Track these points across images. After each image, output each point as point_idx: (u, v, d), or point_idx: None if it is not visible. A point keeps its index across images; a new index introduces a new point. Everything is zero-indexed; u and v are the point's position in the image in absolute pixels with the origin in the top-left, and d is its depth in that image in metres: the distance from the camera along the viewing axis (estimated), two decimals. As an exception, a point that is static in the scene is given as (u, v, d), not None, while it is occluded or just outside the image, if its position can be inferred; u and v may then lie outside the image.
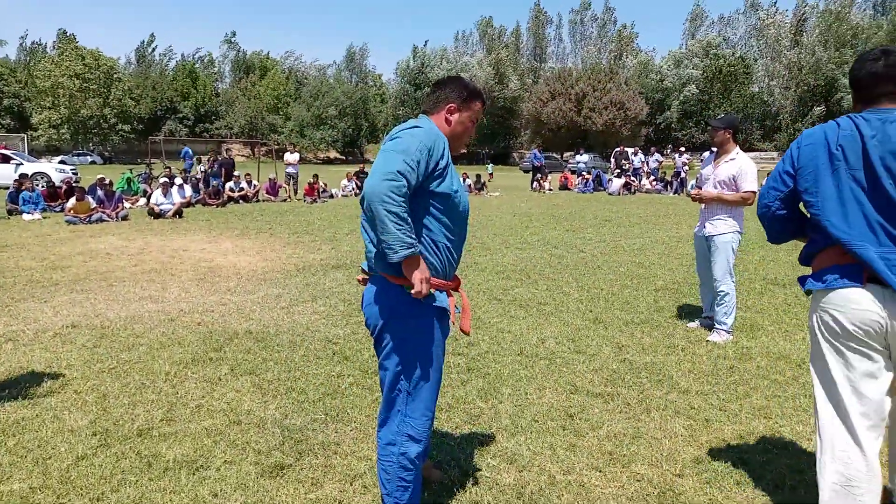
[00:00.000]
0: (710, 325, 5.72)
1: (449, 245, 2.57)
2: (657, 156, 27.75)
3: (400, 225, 2.25)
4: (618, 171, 26.17)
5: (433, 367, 2.59)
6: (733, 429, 3.67)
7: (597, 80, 58.51)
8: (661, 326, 5.79)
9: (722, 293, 5.44)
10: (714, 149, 5.72)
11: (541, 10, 77.19)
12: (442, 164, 2.47)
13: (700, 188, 5.66)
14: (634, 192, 24.01)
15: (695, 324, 5.88)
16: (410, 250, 2.29)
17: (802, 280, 2.65)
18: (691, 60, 62.14)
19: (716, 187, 5.49)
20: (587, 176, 25.51)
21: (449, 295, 2.66)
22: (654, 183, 25.21)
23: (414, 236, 2.31)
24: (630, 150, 28.42)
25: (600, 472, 3.16)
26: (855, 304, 2.39)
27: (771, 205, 2.65)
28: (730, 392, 4.23)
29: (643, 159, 26.94)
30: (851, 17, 57.23)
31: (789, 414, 3.89)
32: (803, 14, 59.97)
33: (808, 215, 2.55)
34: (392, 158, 2.31)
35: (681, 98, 60.64)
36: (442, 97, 2.66)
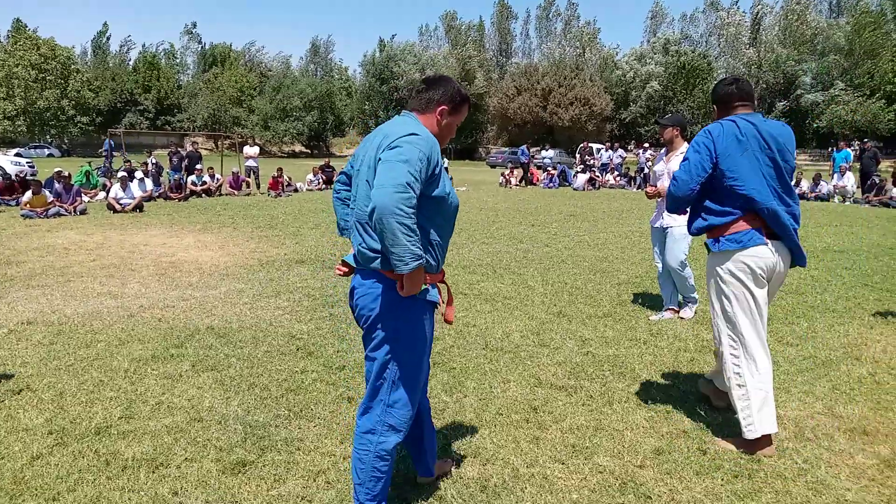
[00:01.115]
0: (672, 317, 5.94)
1: (441, 242, 2.64)
2: (620, 151, 28.06)
3: (410, 237, 2.27)
4: (582, 166, 26.40)
5: (422, 360, 2.65)
6: (693, 420, 3.74)
7: (562, 76, 58.94)
8: (624, 320, 5.87)
9: (683, 277, 5.86)
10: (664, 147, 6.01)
11: (505, 4, 77.36)
12: (437, 170, 2.50)
13: (654, 185, 5.84)
14: (599, 188, 24.26)
15: (657, 317, 6.02)
16: (419, 261, 2.32)
17: (713, 243, 3.47)
18: (653, 57, 62.91)
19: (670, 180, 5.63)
20: (552, 171, 25.70)
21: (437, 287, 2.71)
22: (617, 178, 25.50)
23: (421, 247, 2.34)
24: (596, 146, 28.67)
25: (563, 464, 3.20)
26: (764, 255, 3.37)
27: (694, 188, 3.43)
28: (690, 384, 4.30)
29: (610, 156, 27.21)
30: (810, 18, 58.50)
31: (747, 405, 3.97)
32: (759, 13, 61.15)
33: (729, 188, 3.36)
34: (399, 170, 2.30)
35: (644, 94, 61.39)
36: (434, 98, 2.66)
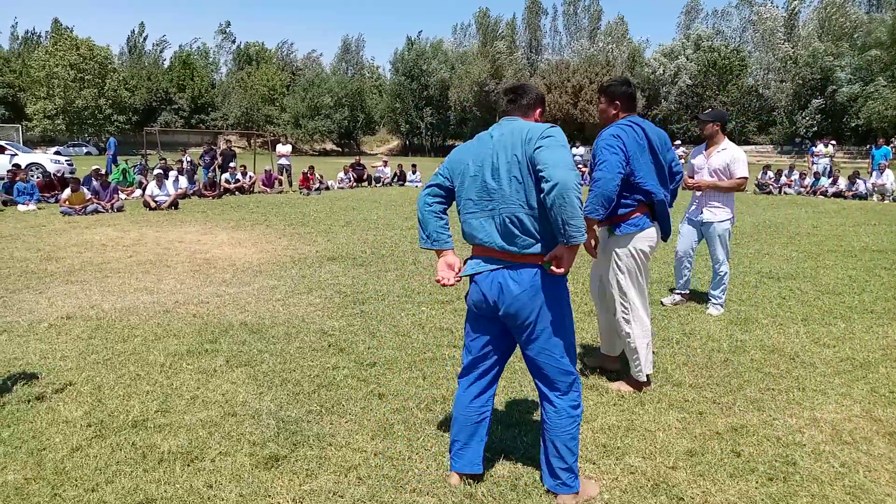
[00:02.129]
0: (683, 301, 6.40)
1: None
2: (695, 148, 27.74)
3: (580, 211, 2.57)
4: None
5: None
6: (727, 421, 3.69)
7: (593, 73, 58.39)
8: (656, 319, 5.80)
9: (723, 273, 6.03)
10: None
11: (535, 1, 76.82)
12: None
13: (692, 177, 6.14)
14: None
15: (669, 300, 6.35)
16: (585, 232, 2.64)
17: (616, 228, 4.10)
18: (684, 52, 61.97)
19: (711, 175, 5.98)
20: (583, 169, 25.48)
21: None
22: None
23: None
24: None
25: (594, 464, 3.18)
26: (652, 234, 4.15)
27: (618, 185, 3.89)
28: (723, 385, 4.25)
29: (693, 152, 26.89)
30: (849, 11, 57.10)
31: (782, 407, 3.91)
32: (795, 7, 59.81)
33: (635, 184, 4.02)
34: (564, 152, 2.62)
35: (675, 90, 60.53)
36: (531, 103, 2.97)
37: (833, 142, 26.71)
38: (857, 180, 19.74)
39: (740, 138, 58.53)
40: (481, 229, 2.81)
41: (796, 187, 21.08)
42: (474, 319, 2.98)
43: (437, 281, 2.96)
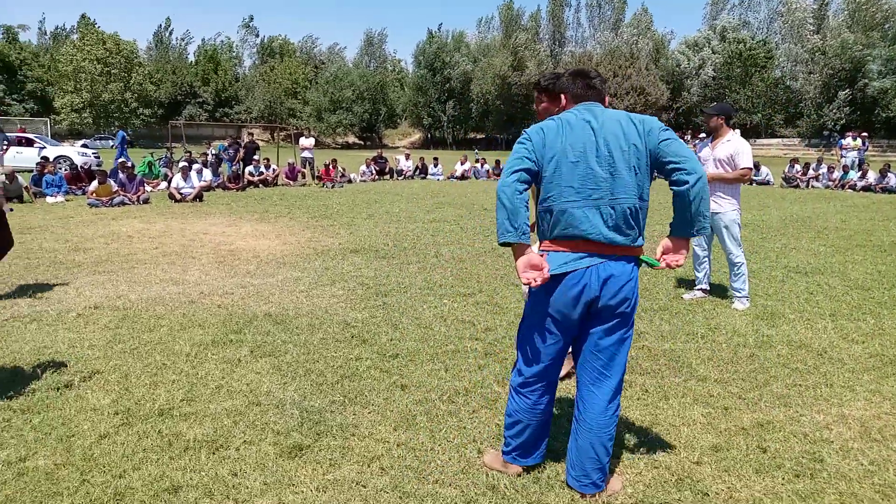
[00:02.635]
0: (704, 296, 6.36)
1: None
2: (700, 142, 27.47)
3: None
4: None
5: None
6: (752, 417, 3.65)
7: (617, 66, 57.88)
8: (681, 314, 5.75)
9: (738, 264, 6.04)
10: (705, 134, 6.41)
11: (559, -9, 76.17)
12: None
13: None
14: (655, 178, 23.76)
15: (689, 295, 6.35)
16: None
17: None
18: (710, 44, 61.13)
19: (716, 167, 6.11)
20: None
21: None
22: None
23: None
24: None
25: (617, 458, 3.16)
26: None
27: None
28: (749, 380, 4.20)
29: (699, 146, 26.69)
30: (883, 1, 55.85)
31: (810, 403, 3.85)
32: (824, -1, 58.70)
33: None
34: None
35: (698, 82, 59.78)
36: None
37: (864, 134, 26.24)
38: (889, 174, 19.37)
39: (767, 131, 57.71)
40: (585, 220, 2.66)
41: (824, 181, 20.75)
42: (555, 323, 2.77)
43: (526, 283, 2.69)
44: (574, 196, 2.68)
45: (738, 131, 6.26)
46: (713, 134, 6.27)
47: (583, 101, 2.85)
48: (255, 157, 19.36)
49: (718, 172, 6.06)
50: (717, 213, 6.09)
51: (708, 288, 6.47)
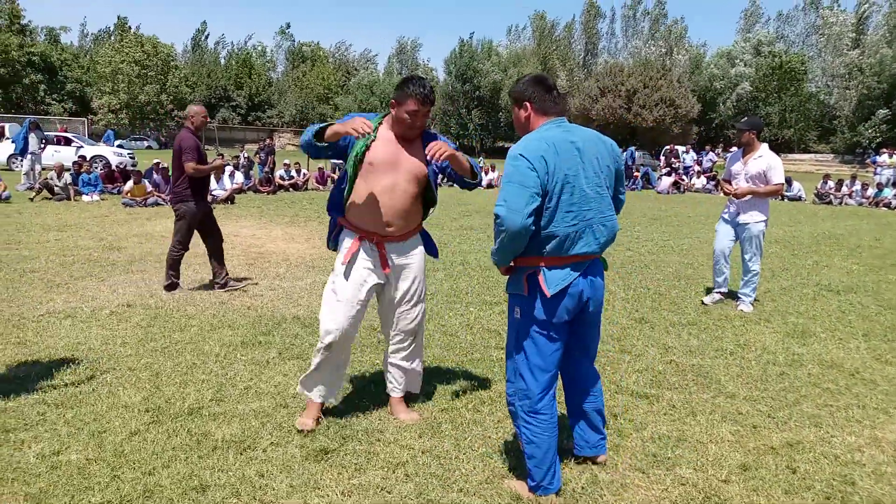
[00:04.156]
0: (722, 299, 6.60)
1: None
2: (711, 154, 27.21)
3: None
4: (667, 169, 25.73)
5: None
6: (782, 436, 3.59)
7: (648, 77, 57.43)
8: (710, 329, 5.69)
9: (754, 272, 6.33)
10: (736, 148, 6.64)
11: (593, 4, 75.96)
12: None
13: (728, 182, 6.47)
14: (684, 192, 23.58)
15: (709, 299, 6.60)
16: None
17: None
18: (743, 57, 60.37)
19: (747, 182, 6.25)
20: (636, 174, 25.15)
21: None
22: (705, 182, 24.67)
23: None
24: (681, 149, 27.93)
25: (643, 473, 3.14)
26: None
27: None
28: (779, 399, 4.14)
29: (695, 158, 26.43)
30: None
31: (841, 424, 3.79)
32: (864, 12, 57.58)
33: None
34: None
35: (733, 96, 59.06)
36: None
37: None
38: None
39: (799, 146, 56.79)
40: (581, 241, 2.79)
41: (858, 198, 20.39)
42: (557, 330, 2.85)
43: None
44: (572, 220, 2.75)
45: (765, 145, 6.40)
46: (745, 148, 6.39)
47: (557, 116, 2.88)
48: (271, 156, 19.61)
49: (750, 188, 6.21)
50: (746, 223, 6.32)
51: (726, 291, 6.67)
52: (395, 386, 3.77)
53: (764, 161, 6.17)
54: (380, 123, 3.50)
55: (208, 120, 6.78)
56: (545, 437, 2.87)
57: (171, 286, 6.44)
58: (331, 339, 3.43)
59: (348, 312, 3.44)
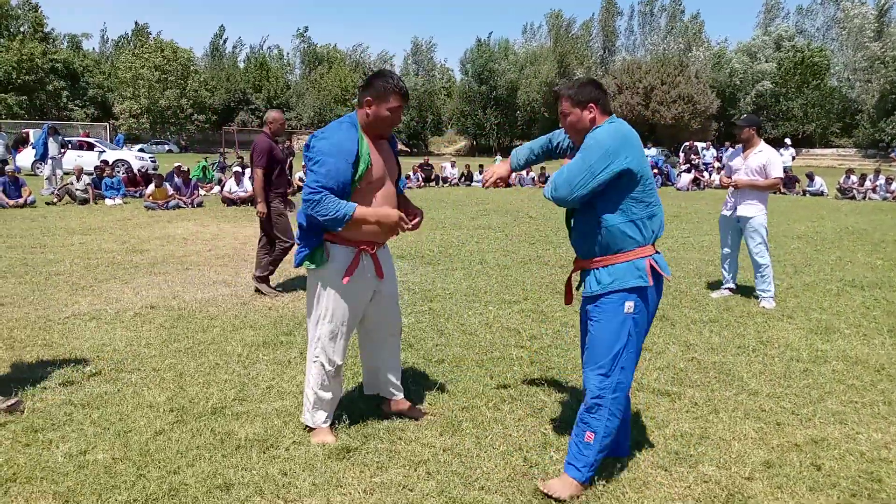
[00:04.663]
0: (730, 295, 6.70)
1: None
2: (731, 151, 26.96)
3: None
4: (687, 165, 25.53)
5: None
6: (806, 433, 3.56)
7: (665, 74, 57.01)
8: (731, 326, 5.65)
9: (763, 265, 6.37)
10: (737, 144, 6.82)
11: (612, 1, 75.50)
12: None
13: (729, 177, 6.66)
14: (703, 188, 23.38)
15: (717, 294, 6.75)
16: None
17: None
18: (764, 52, 59.66)
19: (747, 175, 6.45)
20: (655, 171, 24.96)
21: None
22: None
23: None
24: (701, 145, 27.70)
25: (666, 471, 3.12)
26: None
27: None
28: (803, 396, 4.10)
29: (715, 154, 26.20)
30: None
31: (867, 421, 3.74)
32: (885, 4, 56.63)
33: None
34: None
35: (753, 93, 58.41)
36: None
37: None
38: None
39: (821, 141, 56.05)
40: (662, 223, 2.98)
41: (882, 192, 20.08)
42: (645, 324, 2.96)
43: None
44: (658, 204, 2.95)
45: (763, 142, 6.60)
46: (745, 144, 6.59)
47: (608, 115, 2.97)
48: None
49: (750, 180, 6.42)
50: (746, 218, 6.48)
51: (734, 286, 6.82)
52: (397, 389, 3.68)
53: (764, 156, 6.38)
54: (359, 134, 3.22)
55: (285, 126, 6.88)
56: (615, 430, 2.93)
57: (263, 280, 6.61)
58: (340, 365, 3.37)
59: (348, 337, 3.36)
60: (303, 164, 16.89)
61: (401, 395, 3.70)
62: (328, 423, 3.43)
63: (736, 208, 6.55)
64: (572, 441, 2.93)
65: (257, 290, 6.54)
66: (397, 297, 3.65)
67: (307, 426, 3.43)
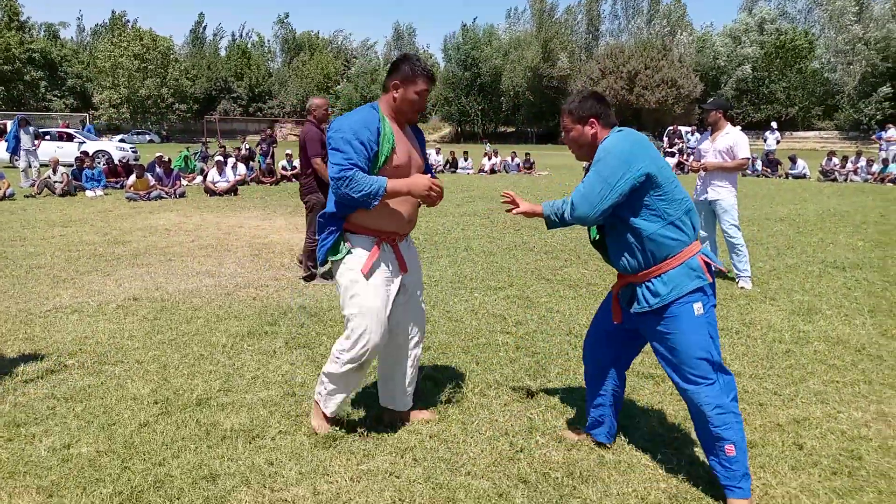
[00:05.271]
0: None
1: None
2: (700, 136, 27.04)
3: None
4: (671, 149, 25.62)
5: None
6: (788, 413, 3.60)
7: (649, 58, 57.11)
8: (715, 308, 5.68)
9: (738, 245, 6.48)
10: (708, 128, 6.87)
11: (596, -15, 75.23)
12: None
13: (698, 161, 6.78)
14: (687, 172, 23.47)
15: None
16: None
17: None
18: (748, 36, 59.85)
19: (715, 157, 6.59)
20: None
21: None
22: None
23: None
24: (686, 129, 27.79)
25: (651, 453, 3.15)
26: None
27: None
28: (785, 376, 4.14)
29: (699, 139, 26.31)
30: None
31: (848, 400, 3.79)
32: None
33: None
34: None
35: (735, 76, 58.63)
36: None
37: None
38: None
39: (803, 124, 56.44)
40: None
41: (863, 174, 20.28)
42: (714, 315, 2.85)
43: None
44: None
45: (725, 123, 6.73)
46: (712, 127, 6.72)
47: (611, 127, 2.90)
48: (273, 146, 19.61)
49: (719, 162, 6.55)
50: (716, 200, 6.58)
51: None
52: (410, 395, 3.48)
53: (731, 138, 6.52)
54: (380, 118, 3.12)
55: (329, 112, 6.78)
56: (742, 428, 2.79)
57: (309, 277, 6.58)
58: (368, 356, 3.15)
59: (381, 329, 3.13)
60: (287, 151, 16.72)
61: (410, 405, 3.52)
62: (333, 413, 3.32)
63: (706, 191, 6.65)
64: (714, 463, 2.76)
65: (307, 278, 6.49)
66: (421, 295, 3.45)
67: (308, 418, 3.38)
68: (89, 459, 3.05)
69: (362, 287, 3.10)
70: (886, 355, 4.52)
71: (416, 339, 3.40)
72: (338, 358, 3.18)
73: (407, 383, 3.43)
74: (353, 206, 3.04)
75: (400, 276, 3.23)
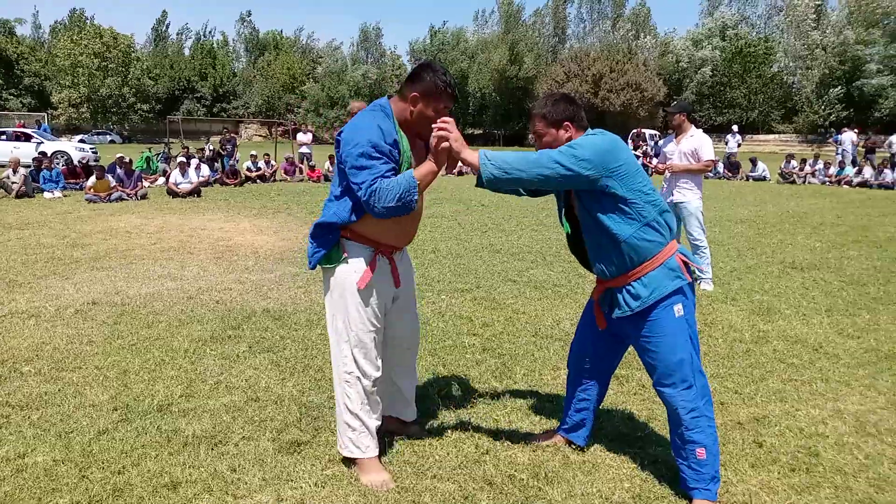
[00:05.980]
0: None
1: None
2: (664, 139, 27.55)
3: None
4: (634, 152, 25.97)
5: None
6: (749, 412, 3.67)
7: (614, 61, 57.76)
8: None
9: (702, 248, 6.55)
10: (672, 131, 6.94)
11: (562, -12, 75.81)
12: None
13: (663, 163, 6.81)
14: (651, 175, 23.81)
15: None
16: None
17: None
18: (710, 41, 60.99)
19: (680, 160, 6.61)
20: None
21: None
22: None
23: None
24: (650, 132, 28.19)
25: (615, 453, 3.18)
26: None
27: None
28: (745, 375, 4.22)
29: (664, 141, 26.76)
30: (882, -2, 55.65)
31: (805, 398, 3.88)
32: (825, -7, 58.44)
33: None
34: None
35: (696, 79, 59.66)
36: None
37: (856, 130, 26.28)
38: (885, 170, 19.42)
39: (763, 127, 57.64)
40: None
41: (820, 176, 20.79)
42: (694, 316, 2.84)
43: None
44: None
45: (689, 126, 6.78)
46: (676, 130, 6.75)
47: (585, 129, 2.88)
48: (252, 152, 19.38)
49: (685, 164, 6.56)
50: (682, 203, 6.57)
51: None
52: (411, 404, 3.34)
53: (696, 140, 6.54)
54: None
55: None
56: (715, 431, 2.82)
57: None
58: (377, 377, 2.97)
59: (378, 345, 2.97)
60: (251, 153, 16.48)
61: (412, 416, 3.37)
62: (377, 452, 2.98)
63: (672, 193, 6.67)
64: (683, 466, 2.77)
65: None
66: (416, 307, 3.33)
67: (346, 458, 3.01)
68: (45, 469, 2.97)
69: (352, 298, 2.90)
70: (842, 353, 4.63)
71: (410, 346, 3.26)
72: (346, 380, 2.93)
73: (406, 391, 3.29)
74: (396, 214, 2.73)
75: (392, 291, 3.03)
